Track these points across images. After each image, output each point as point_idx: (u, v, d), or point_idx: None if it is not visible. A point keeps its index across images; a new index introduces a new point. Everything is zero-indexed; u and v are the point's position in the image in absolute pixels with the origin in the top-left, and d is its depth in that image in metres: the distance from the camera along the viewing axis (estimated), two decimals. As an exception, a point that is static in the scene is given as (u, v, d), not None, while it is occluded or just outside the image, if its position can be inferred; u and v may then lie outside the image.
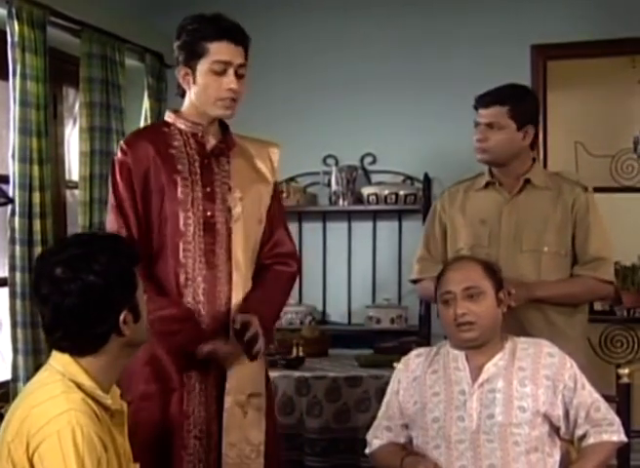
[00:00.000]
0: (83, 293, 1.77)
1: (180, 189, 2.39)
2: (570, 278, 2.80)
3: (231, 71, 2.37)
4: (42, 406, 1.72)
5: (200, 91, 2.41)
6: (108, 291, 1.79)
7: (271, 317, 2.52)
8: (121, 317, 1.80)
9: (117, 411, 1.87)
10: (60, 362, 1.81)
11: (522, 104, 2.82)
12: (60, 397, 1.73)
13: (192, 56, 2.38)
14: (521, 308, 2.66)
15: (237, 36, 2.39)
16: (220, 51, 2.36)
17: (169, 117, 2.51)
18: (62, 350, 1.81)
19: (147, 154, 2.40)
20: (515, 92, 2.87)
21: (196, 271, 2.40)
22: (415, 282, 3.01)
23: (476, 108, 2.85)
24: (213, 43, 2.35)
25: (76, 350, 1.81)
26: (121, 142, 2.47)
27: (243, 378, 2.45)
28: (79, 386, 1.77)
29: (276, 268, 2.55)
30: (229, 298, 2.43)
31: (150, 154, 2.40)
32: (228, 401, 2.41)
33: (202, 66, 2.38)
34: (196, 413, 2.40)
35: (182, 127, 2.47)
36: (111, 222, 2.40)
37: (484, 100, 2.83)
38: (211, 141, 2.49)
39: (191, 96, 2.45)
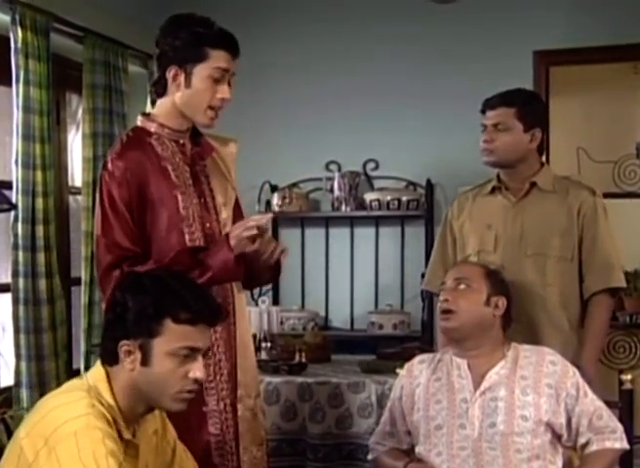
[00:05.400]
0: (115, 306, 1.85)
1: (181, 204, 2.30)
2: (591, 315, 2.75)
3: (227, 80, 2.32)
4: (60, 408, 1.73)
5: (192, 95, 2.31)
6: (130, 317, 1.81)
7: None
8: (122, 343, 1.79)
9: (130, 442, 1.83)
10: (93, 376, 1.84)
11: (529, 106, 2.82)
12: (81, 402, 1.74)
13: (190, 58, 2.28)
14: (530, 316, 2.69)
15: (235, 46, 2.34)
16: (221, 58, 2.30)
17: (144, 123, 2.38)
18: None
19: (142, 167, 2.29)
20: (523, 94, 2.89)
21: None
22: (425, 291, 3.01)
23: (483, 112, 2.84)
24: (214, 50, 2.29)
25: (100, 354, 1.86)
26: (111, 156, 2.30)
27: (251, 382, 2.43)
28: (101, 403, 1.77)
29: None
30: (234, 305, 2.38)
31: (146, 167, 2.29)
32: (240, 408, 2.36)
33: (201, 71, 2.29)
34: (224, 429, 2.33)
35: (165, 135, 2.35)
36: (110, 238, 2.25)
37: (491, 102, 2.83)
38: (188, 146, 2.40)
39: (175, 98, 2.33)
